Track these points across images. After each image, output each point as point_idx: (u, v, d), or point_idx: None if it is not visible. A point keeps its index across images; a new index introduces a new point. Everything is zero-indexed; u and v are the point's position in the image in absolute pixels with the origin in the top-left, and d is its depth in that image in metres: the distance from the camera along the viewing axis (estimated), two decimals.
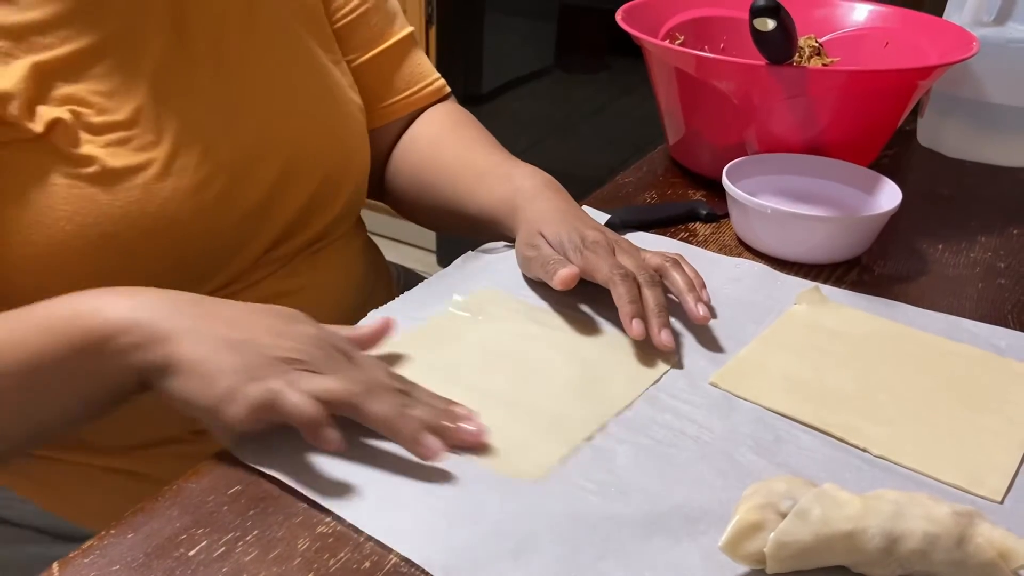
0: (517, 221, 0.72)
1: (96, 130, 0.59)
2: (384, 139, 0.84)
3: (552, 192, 0.73)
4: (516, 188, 0.73)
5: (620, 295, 0.62)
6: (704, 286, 0.67)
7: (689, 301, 0.64)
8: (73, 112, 0.58)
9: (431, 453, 0.50)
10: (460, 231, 0.82)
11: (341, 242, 0.78)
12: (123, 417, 0.61)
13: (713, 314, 0.66)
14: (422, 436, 0.50)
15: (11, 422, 0.53)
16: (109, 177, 0.59)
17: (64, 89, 0.59)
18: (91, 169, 0.59)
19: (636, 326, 0.61)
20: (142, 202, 0.60)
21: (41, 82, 0.58)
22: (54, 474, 0.70)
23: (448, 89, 0.88)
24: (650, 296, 0.63)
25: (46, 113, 0.57)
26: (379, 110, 0.83)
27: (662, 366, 0.62)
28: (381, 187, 0.88)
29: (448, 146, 0.82)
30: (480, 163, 0.79)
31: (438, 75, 0.87)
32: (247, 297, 0.63)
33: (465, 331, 0.65)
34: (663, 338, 0.61)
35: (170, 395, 0.51)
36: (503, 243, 0.77)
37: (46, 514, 0.70)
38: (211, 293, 0.65)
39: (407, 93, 0.84)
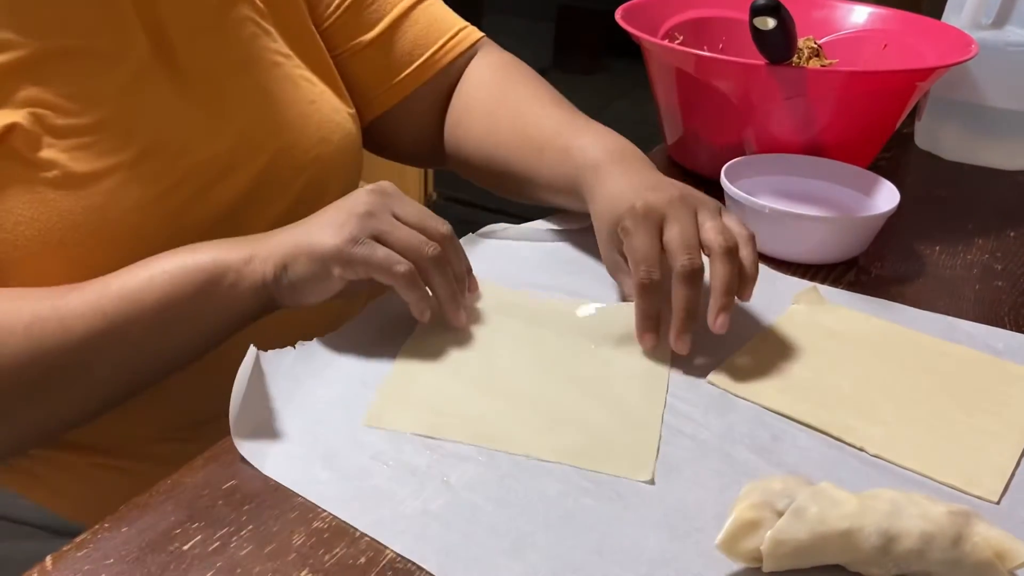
0: (588, 202, 0.67)
1: (59, 133, 0.58)
2: (420, 105, 0.83)
3: (619, 166, 0.67)
4: (577, 167, 0.69)
5: (638, 307, 0.60)
6: (753, 280, 0.60)
7: (713, 305, 0.58)
8: (34, 115, 0.57)
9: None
10: (538, 202, 0.78)
11: None
12: (117, 415, 0.60)
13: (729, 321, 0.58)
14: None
15: (144, 360, 0.58)
16: (71, 182, 0.58)
17: (27, 91, 0.58)
18: (52, 174, 0.57)
19: (647, 340, 0.60)
20: (104, 209, 0.59)
21: (1, 84, 0.57)
22: (52, 471, 0.69)
23: (478, 34, 0.85)
24: (681, 297, 0.58)
25: (4, 116, 0.56)
26: (395, 85, 0.81)
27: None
28: (435, 155, 0.86)
29: (504, 116, 0.78)
30: (536, 134, 0.74)
31: (462, 24, 0.84)
32: None
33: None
34: (678, 344, 0.59)
35: (296, 286, 0.58)
36: (503, 224, 0.77)
37: (44, 511, 0.70)
38: None
39: (430, 53, 0.81)
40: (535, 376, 0.60)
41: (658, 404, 0.57)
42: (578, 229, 0.78)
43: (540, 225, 0.79)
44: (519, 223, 0.78)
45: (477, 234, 0.76)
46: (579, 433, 0.55)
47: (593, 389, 0.58)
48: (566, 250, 0.76)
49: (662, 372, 0.60)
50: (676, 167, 0.96)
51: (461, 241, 0.74)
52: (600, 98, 2.20)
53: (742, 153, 0.84)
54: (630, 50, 0.95)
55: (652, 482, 0.51)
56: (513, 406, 0.57)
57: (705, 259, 0.59)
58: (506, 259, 0.74)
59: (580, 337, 0.63)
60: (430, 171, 2.38)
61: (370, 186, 0.62)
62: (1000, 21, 0.94)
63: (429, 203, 2.54)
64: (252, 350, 0.54)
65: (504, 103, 0.79)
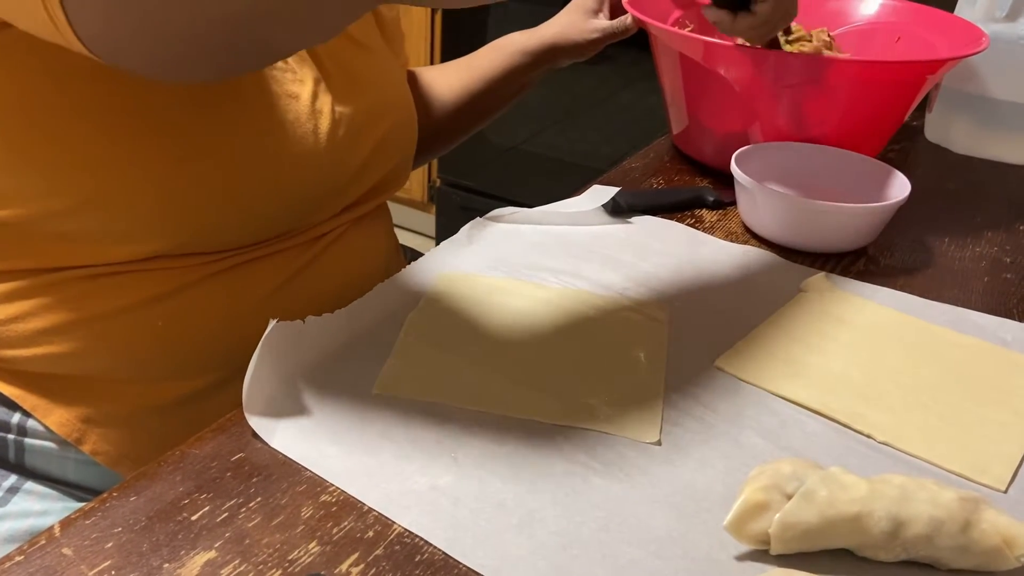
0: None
1: None
2: None
3: None
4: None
5: None
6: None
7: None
8: None
9: None
10: (521, 88, 1.00)
11: (383, 209, 0.82)
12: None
13: None
14: None
15: None
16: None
17: None
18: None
19: None
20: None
21: None
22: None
23: None
24: None
25: None
26: None
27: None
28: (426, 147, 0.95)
29: (458, 66, 0.98)
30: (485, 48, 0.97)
31: None
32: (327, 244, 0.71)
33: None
34: None
35: None
36: (511, 208, 0.77)
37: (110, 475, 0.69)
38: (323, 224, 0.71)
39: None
40: (539, 348, 0.60)
41: (659, 373, 0.59)
42: (586, 214, 0.78)
43: (548, 209, 0.78)
44: (525, 208, 0.78)
45: (485, 218, 0.76)
46: (586, 399, 0.56)
47: (597, 362, 0.60)
48: (574, 235, 0.76)
49: (662, 344, 0.62)
50: (681, 156, 0.95)
51: (468, 225, 0.74)
52: (606, 88, 2.19)
53: (747, 143, 0.84)
54: (636, 40, 0.95)
55: (659, 443, 0.52)
56: (519, 375, 0.57)
57: None
58: (514, 243, 0.74)
59: (583, 318, 0.64)
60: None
61: None
62: (1014, 14, 0.94)
63: (433, 190, 2.53)
64: (271, 323, 0.54)
65: (448, 67, 0.99)
